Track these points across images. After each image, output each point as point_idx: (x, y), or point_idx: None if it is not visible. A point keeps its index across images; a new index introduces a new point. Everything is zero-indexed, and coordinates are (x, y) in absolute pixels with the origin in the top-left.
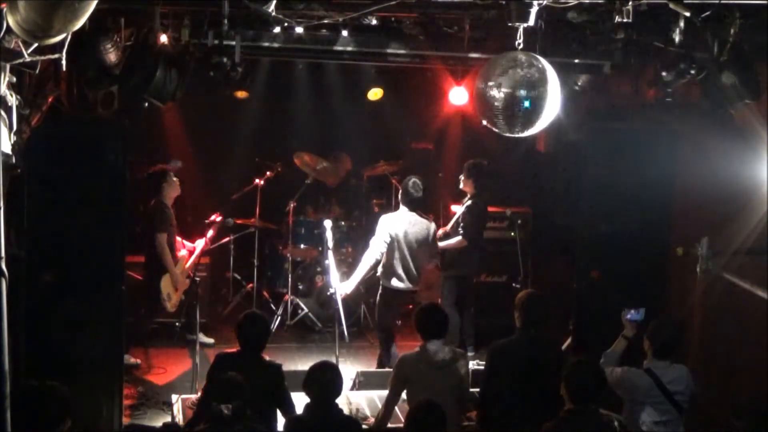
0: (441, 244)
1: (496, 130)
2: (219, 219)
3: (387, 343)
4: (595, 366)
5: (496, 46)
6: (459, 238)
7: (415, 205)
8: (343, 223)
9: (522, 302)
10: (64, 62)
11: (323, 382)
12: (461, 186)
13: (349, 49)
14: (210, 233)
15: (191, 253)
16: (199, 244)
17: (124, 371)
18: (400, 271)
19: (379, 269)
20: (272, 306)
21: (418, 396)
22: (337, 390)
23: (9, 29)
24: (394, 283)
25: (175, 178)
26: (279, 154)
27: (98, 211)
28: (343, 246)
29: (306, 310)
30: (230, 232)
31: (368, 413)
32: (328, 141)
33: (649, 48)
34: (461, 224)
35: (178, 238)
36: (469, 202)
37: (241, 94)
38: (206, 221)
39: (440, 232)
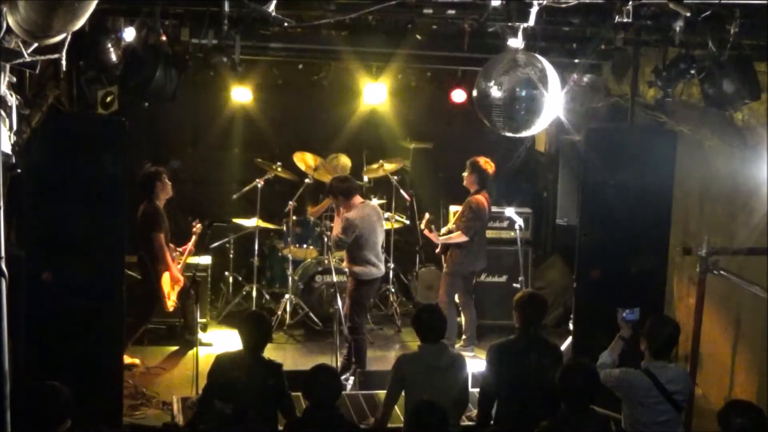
0: (442, 239)
1: (496, 130)
2: (198, 226)
3: (363, 344)
4: (588, 367)
5: (496, 46)
6: (458, 233)
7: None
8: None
9: (522, 302)
10: (64, 62)
11: (322, 386)
12: (464, 182)
13: (349, 49)
14: (193, 240)
15: (182, 254)
16: (185, 248)
17: (124, 371)
18: (373, 258)
19: (355, 264)
20: (272, 306)
21: (416, 397)
22: (336, 393)
23: (9, 29)
24: (372, 271)
25: (167, 180)
26: (279, 154)
27: (98, 211)
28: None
29: (306, 310)
30: (230, 232)
31: (368, 414)
32: (328, 141)
33: (649, 48)
34: (462, 220)
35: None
36: (472, 198)
37: (240, 95)
38: (192, 228)
39: (444, 229)
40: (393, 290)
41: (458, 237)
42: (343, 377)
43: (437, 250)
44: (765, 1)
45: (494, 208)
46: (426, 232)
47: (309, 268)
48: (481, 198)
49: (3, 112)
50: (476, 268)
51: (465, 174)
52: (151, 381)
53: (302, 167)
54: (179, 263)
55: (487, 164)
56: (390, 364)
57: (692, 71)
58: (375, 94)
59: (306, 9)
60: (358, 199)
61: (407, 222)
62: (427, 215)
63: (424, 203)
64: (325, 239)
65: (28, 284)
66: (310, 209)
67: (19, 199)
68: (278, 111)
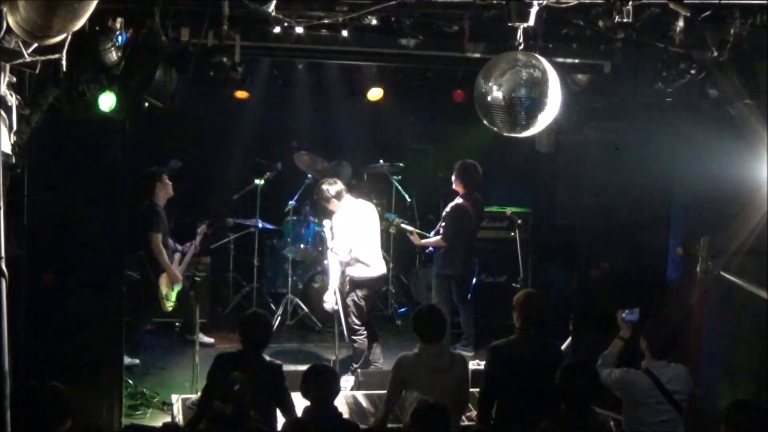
0: (423, 241)
1: (497, 130)
2: (203, 227)
3: (362, 345)
4: (588, 366)
5: (496, 46)
6: (438, 237)
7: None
8: None
9: (521, 302)
10: (64, 62)
11: (319, 385)
12: (453, 186)
13: (349, 49)
14: (198, 239)
15: (183, 255)
16: (189, 247)
17: (124, 371)
18: (363, 257)
19: (352, 266)
20: (272, 306)
21: (416, 397)
22: (334, 391)
23: (9, 29)
24: (364, 270)
25: (168, 181)
26: (279, 154)
27: (98, 212)
28: None
29: (306, 310)
30: (230, 232)
31: (368, 414)
32: (328, 141)
33: (649, 48)
34: (442, 224)
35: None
36: (454, 202)
37: (241, 94)
38: (197, 230)
39: (433, 231)
40: (393, 290)
41: (436, 242)
42: (343, 377)
43: (427, 251)
44: (765, 1)
45: (494, 208)
46: (408, 234)
47: (309, 268)
48: (465, 203)
49: (3, 112)
50: (455, 271)
51: (452, 177)
52: (151, 381)
53: (302, 167)
54: (181, 263)
55: (474, 167)
56: (390, 364)
57: (692, 71)
58: (375, 94)
59: (306, 9)
60: (345, 200)
61: (409, 228)
62: (396, 219)
63: (424, 203)
64: (325, 239)
65: (28, 284)
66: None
67: (19, 199)
68: (278, 111)
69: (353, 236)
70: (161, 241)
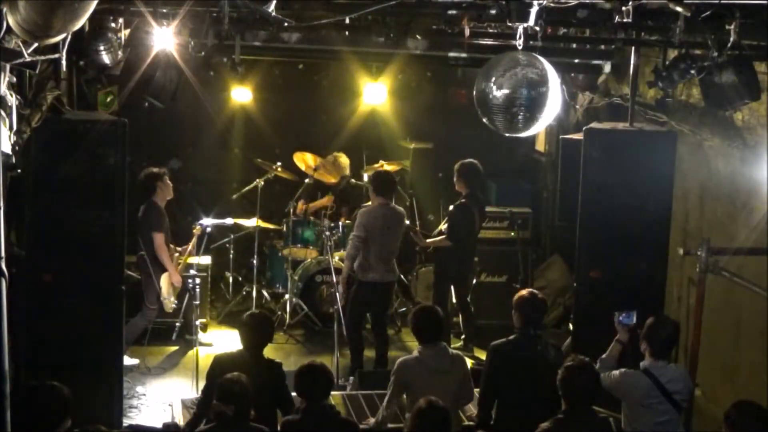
0: (428, 240)
1: (497, 130)
2: (198, 228)
3: (358, 344)
4: (589, 367)
5: (496, 46)
6: (443, 236)
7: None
8: (341, 223)
9: (521, 302)
10: (64, 62)
11: (313, 383)
12: (456, 187)
13: (349, 49)
14: (193, 240)
15: (180, 256)
16: (186, 249)
17: (124, 371)
18: (374, 261)
19: (362, 267)
20: (272, 306)
21: (418, 399)
22: (328, 389)
23: (9, 29)
24: (370, 274)
25: (169, 182)
26: (279, 154)
27: (98, 212)
28: (343, 246)
29: (306, 310)
30: (230, 232)
31: (368, 414)
32: (328, 141)
33: (649, 48)
34: (446, 223)
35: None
36: (458, 202)
37: (240, 94)
38: (193, 230)
39: (436, 231)
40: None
41: (440, 240)
42: (343, 378)
43: (429, 250)
44: (765, 1)
45: (494, 208)
46: (412, 234)
47: (309, 268)
48: (468, 203)
49: (3, 112)
50: (456, 271)
51: (454, 178)
52: (151, 381)
53: (302, 167)
54: (178, 264)
55: (475, 167)
56: (390, 364)
57: (692, 71)
58: (375, 94)
59: (306, 9)
60: (382, 199)
61: (414, 228)
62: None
63: (424, 203)
64: (325, 239)
65: (28, 284)
66: (304, 205)
67: (19, 199)
68: (278, 111)
69: (367, 236)
70: (164, 241)
